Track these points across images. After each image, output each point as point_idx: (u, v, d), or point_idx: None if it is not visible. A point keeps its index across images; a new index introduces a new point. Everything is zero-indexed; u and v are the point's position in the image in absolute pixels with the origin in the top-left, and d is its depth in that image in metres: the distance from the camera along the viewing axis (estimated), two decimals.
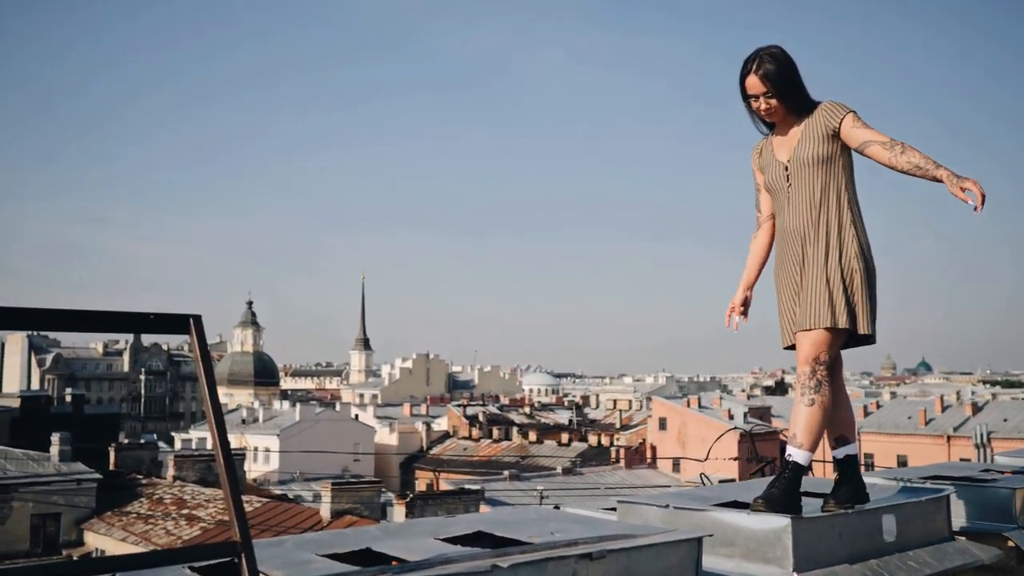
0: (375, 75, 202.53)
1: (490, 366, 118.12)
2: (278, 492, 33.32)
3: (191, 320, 1.94)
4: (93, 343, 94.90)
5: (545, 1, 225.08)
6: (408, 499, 22.94)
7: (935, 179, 2.89)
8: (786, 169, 3.15)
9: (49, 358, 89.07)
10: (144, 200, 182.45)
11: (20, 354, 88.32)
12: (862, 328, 3.02)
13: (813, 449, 3.02)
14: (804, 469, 3.01)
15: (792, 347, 3.12)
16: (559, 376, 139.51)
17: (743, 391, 77.52)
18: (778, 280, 3.20)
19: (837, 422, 3.18)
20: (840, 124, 3.08)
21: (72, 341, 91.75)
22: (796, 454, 3.01)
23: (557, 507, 3.37)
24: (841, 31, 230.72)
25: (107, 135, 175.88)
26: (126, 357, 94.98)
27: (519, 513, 3.09)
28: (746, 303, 3.32)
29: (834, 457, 3.21)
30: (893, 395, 62.95)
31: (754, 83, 3.10)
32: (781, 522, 2.83)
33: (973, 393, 62.45)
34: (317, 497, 27.32)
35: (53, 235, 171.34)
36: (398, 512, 22.46)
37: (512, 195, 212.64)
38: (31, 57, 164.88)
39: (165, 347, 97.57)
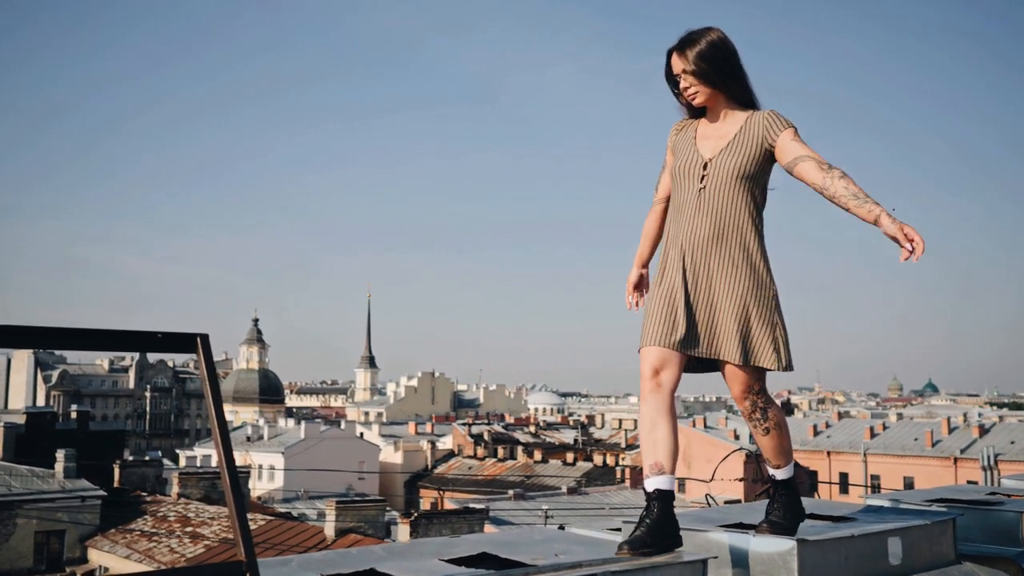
0: (380, 92, 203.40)
1: (495, 385, 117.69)
2: (282, 510, 33.29)
3: (199, 339, 1.95)
4: (99, 360, 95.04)
5: (549, 19, 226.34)
6: (412, 518, 22.89)
7: (870, 216, 2.62)
8: (704, 168, 2.85)
9: (55, 374, 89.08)
10: (148, 217, 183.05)
11: (26, 370, 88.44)
12: (791, 365, 2.86)
13: (791, 462, 3.03)
14: (793, 482, 3.03)
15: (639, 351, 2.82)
16: (564, 395, 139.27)
17: None
18: (660, 284, 2.87)
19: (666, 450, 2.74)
20: (778, 137, 2.79)
21: (78, 358, 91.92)
22: (779, 473, 3.03)
23: (562, 527, 3.37)
24: (852, 54, 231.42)
25: (110, 152, 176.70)
26: (132, 374, 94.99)
27: (524, 534, 3.08)
28: (641, 281, 3.19)
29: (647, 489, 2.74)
30: (900, 417, 62.44)
31: (678, 62, 2.85)
32: (787, 544, 2.82)
33: (980, 415, 61.99)
34: (321, 515, 27.25)
35: (56, 252, 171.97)
36: (402, 531, 22.39)
37: (518, 213, 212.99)
38: (32, 73, 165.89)
39: (171, 364, 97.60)
